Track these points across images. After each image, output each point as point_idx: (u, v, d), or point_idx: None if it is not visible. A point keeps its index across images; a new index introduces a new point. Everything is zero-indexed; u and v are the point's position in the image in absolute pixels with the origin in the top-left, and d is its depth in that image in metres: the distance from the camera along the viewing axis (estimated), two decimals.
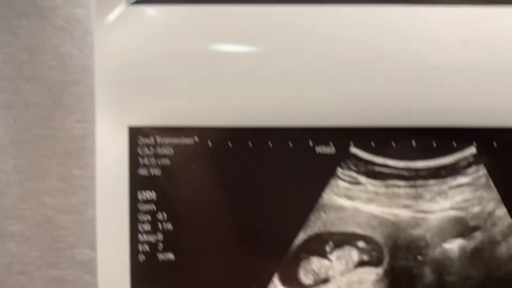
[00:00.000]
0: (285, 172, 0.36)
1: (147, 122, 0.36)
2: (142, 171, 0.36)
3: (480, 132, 0.36)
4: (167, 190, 0.36)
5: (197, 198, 0.36)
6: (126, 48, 0.36)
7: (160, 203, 0.36)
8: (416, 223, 0.36)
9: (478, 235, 0.36)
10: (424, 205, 0.36)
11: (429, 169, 0.36)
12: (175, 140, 0.36)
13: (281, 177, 0.36)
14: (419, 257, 0.36)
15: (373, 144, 0.36)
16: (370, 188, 0.36)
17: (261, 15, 0.36)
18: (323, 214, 0.36)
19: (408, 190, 0.36)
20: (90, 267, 0.37)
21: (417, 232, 0.36)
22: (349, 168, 0.36)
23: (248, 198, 0.36)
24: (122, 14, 0.36)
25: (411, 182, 0.36)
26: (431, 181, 0.36)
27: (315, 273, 0.36)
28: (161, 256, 0.36)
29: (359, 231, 0.36)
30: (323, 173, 0.36)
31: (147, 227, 0.36)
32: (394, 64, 0.35)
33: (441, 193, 0.36)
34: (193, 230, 0.36)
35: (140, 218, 0.36)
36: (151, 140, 0.36)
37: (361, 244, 0.36)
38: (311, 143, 0.36)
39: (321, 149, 0.36)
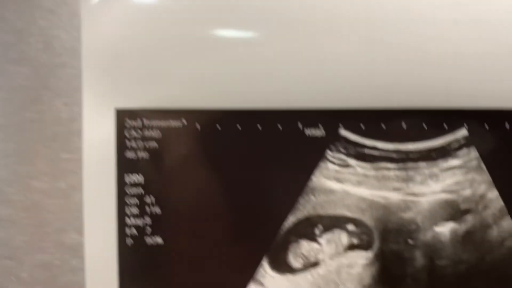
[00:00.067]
0: (274, 155, 0.36)
1: (135, 104, 0.35)
2: (130, 154, 0.36)
3: (471, 113, 0.35)
4: (154, 173, 0.36)
5: (185, 182, 0.36)
6: (113, 31, 0.35)
7: (147, 187, 0.36)
8: (406, 206, 0.36)
9: (470, 219, 0.36)
10: (415, 188, 0.36)
11: (419, 151, 0.36)
12: (162, 123, 0.35)
13: (270, 160, 0.36)
14: (410, 241, 0.36)
15: (362, 126, 0.36)
16: (360, 170, 0.36)
17: None
18: (312, 197, 0.36)
19: (398, 173, 0.36)
20: (78, 251, 0.37)
21: (407, 215, 0.36)
22: (339, 151, 0.36)
23: (237, 182, 0.36)
24: None
25: (401, 165, 0.36)
26: (422, 164, 0.36)
27: (304, 257, 0.36)
28: (149, 240, 0.36)
29: (348, 214, 0.36)
30: (312, 156, 0.36)
31: (134, 210, 0.36)
32: (384, 45, 0.35)
33: (432, 176, 0.36)
34: (182, 214, 0.36)
35: (127, 201, 0.36)
36: (138, 123, 0.35)
37: (350, 227, 0.36)
38: (300, 126, 0.36)
39: (310, 132, 0.36)
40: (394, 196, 0.36)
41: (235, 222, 0.36)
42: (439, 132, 0.36)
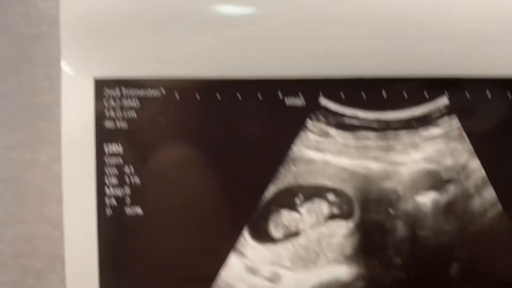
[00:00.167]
0: (255, 124, 0.36)
1: (113, 73, 0.35)
2: (108, 124, 0.35)
3: (452, 82, 0.35)
4: (133, 143, 0.35)
5: (164, 152, 0.35)
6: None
7: (126, 156, 0.35)
8: (387, 175, 0.36)
9: (451, 188, 0.36)
10: (395, 157, 0.36)
11: (400, 120, 0.35)
12: (141, 92, 0.35)
13: (250, 130, 0.36)
14: (391, 211, 0.36)
15: (343, 95, 0.35)
16: (340, 140, 0.36)
17: None
18: (293, 167, 0.36)
19: (379, 142, 0.36)
20: (59, 223, 0.37)
21: (388, 184, 0.36)
22: (319, 120, 0.36)
23: (216, 151, 0.36)
24: None
25: (382, 134, 0.36)
26: (402, 133, 0.35)
27: (285, 227, 0.36)
28: (128, 210, 0.36)
29: (329, 183, 0.36)
30: (292, 125, 0.36)
31: (114, 180, 0.35)
32: (364, 13, 0.35)
33: (412, 145, 0.36)
34: (161, 184, 0.36)
35: (106, 171, 0.35)
36: (117, 92, 0.35)
37: (331, 197, 0.36)
38: (280, 95, 0.35)
39: (290, 101, 0.35)
40: (374, 166, 0.36)
41: (215, 192, 0.36)
42: (420, 100, 0.35)
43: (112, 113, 0.35)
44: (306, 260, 0.36)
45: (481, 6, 0.35)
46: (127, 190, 0.36)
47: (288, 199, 0.36)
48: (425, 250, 0.36)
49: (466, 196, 0.36)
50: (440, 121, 0.35)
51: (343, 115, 0.36)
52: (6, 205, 0.37)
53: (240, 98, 0.35)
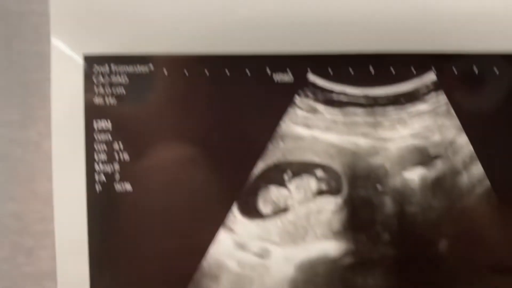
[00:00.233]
0: (243, 100, 0.36)
1: (102, 50, 0.35)
2: (98, 100, 0.36)
3: (439, 58, 0.35)
4: (122, 119, 0.36)
5: (153, 128, 0.36)
6: None
7: (116, 133, 0.36)
8: (375, 151, 0.36)
9: (439, 164, 0.36)
10: (383, 133, 0.36)
11: (387, 96, 0.36)
12: (130, 68, 0.35)
13: (238, 106, 0.36)
14: (379, 186, 0.36)
15: (331, 71, 0.36)
16: (328, 116, 0.36)
17: None
18: (281, 143, 0.36)
19: (367, 118, 0.36)
20: (49, 200, 0.37)
21: (376, 160, 0.36)
22: (307, 96, 0.36)
23: (205, 128, 0.36)
24: None
25: (370, 110, 0.36)
26: (390, 108, 0.36)
27: (274, 203, 0.36)
28: (118, 187, 0.36)
29: (317, 160, 0.36)
30: (281, 101, 0.36)
31: (103, 156, 0.36)
32: None
33: (400, 121, 0.36)
34: (150, 160, 0.36)
35: (96, 147, 0.36)
36: (106, 68, 0.35)
37: (319, 173, 0.36)
38: (268, 71, 0.36)
39: (278, 77, 0.36)
40: (362, 142, 0.36)
41: (204, 169, 0.36)
42: (407, 76, 0.35)
43: (101, 90, 0.35)
44: (294, 236, 0.36)
45: None
46: (116, 166, 0.36)
47: (276, 175, 0.36)
48: (413, 226, 0.36)
49: (454, 172, 0.36)
50: (428, 97, 0.36)
51: (331, 91, 0.36)
52: None
53: (228, 74, 0.36)
